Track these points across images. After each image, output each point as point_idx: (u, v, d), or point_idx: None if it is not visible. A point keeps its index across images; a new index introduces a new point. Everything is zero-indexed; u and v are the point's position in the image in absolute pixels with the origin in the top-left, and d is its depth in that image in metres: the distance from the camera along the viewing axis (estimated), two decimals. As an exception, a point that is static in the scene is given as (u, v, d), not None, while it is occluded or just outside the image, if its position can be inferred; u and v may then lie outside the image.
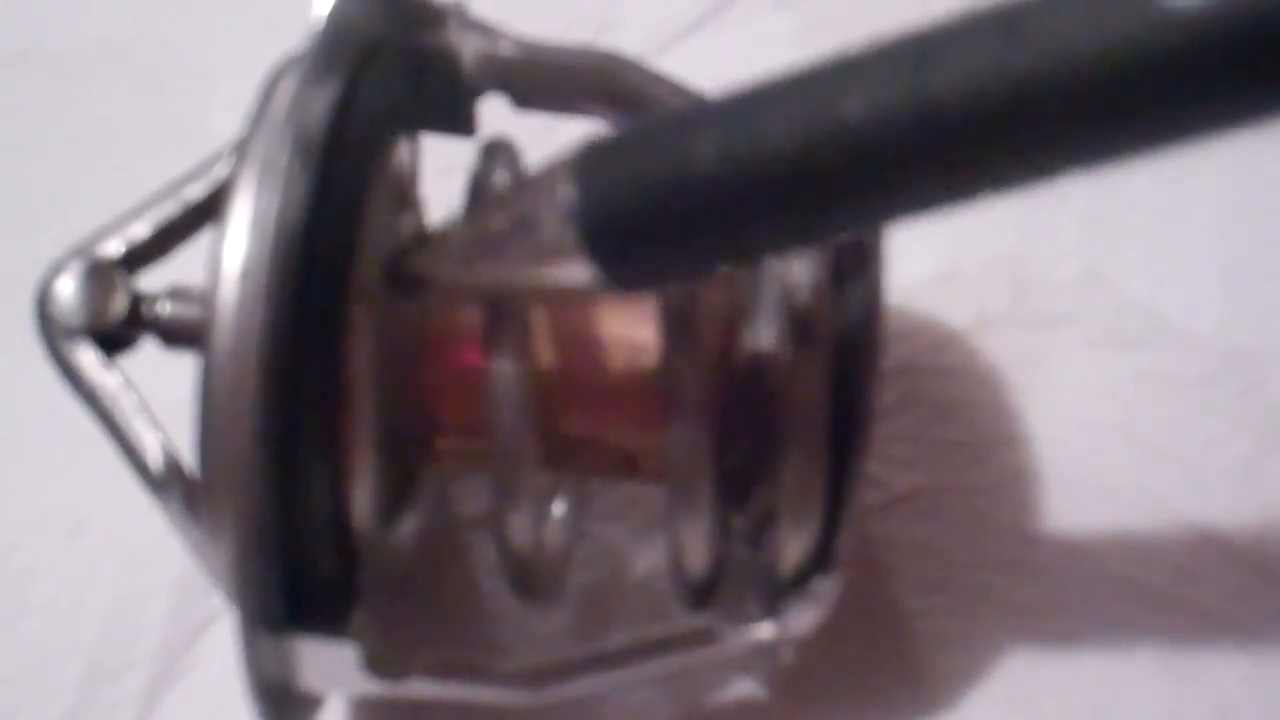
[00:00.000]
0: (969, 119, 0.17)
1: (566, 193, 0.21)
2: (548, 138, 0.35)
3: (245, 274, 0.22)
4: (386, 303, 0.25)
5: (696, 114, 0.21)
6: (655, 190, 0.20)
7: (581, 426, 0.27)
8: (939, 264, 0.34)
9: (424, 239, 0.28)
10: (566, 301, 0.27)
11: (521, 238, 0.22)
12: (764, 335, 0.26)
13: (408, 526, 0.29)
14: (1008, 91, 0.16)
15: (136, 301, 0.26)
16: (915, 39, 0.18)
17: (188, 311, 0.25)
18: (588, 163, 0.21)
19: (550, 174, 0.21)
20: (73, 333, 0.25)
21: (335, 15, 0.24)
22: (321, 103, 0.23)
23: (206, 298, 0.22)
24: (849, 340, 0.26)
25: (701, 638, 0.27)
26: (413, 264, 0.25)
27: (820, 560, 0.26)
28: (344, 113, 0.23)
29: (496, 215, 0.23)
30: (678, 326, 0.25)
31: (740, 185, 0.19)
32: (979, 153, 0.17)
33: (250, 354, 0.22)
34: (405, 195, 0.28)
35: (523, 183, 0.23)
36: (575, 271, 0.21)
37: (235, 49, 0.38)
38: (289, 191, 0.22)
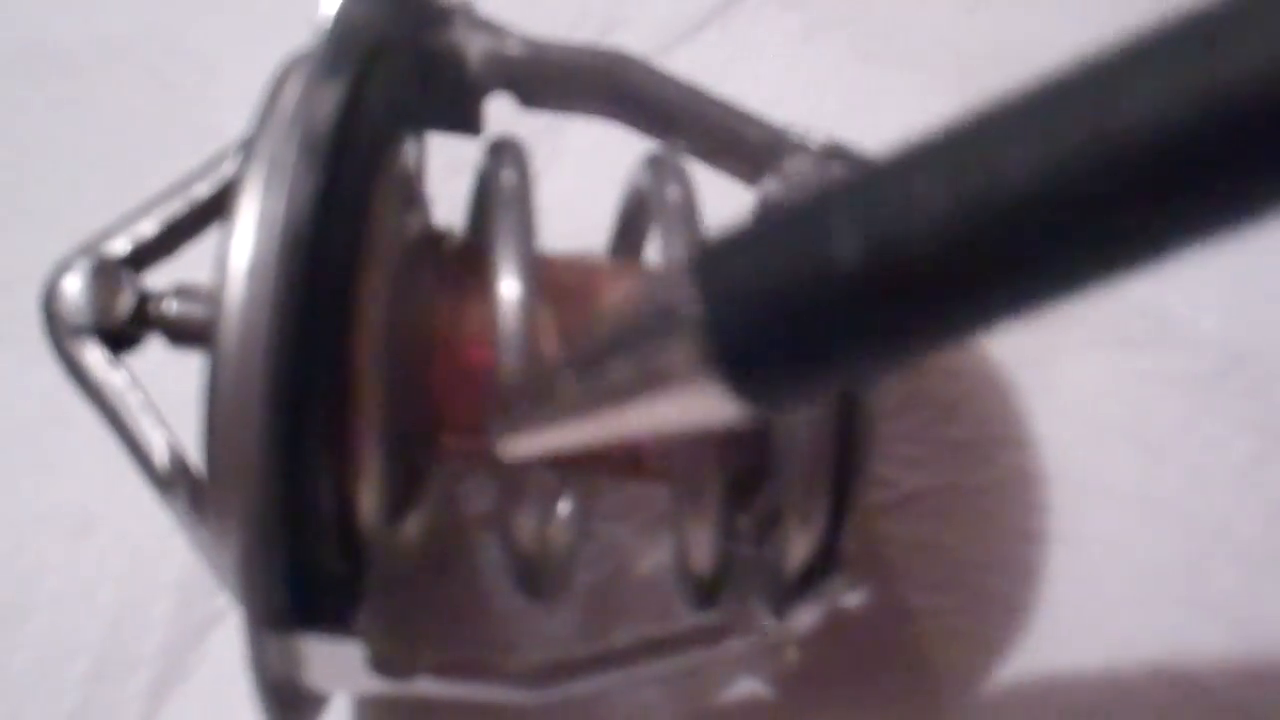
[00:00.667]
0: (1167, 154, 0.14)
1: (689, 302, 0.17)
2: (554, 137, 0.36)
3: (253, 272, 0.22)
4: (393, 301, 0.25)
5: (833, 196, 0.16)
6: (794, 293, 0.16)
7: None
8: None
9: (433, 238, 0.28)
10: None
11: (639, 368, 0.18)
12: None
13: (414, 525, 0.29)
14: (1217, 118, 0.13)
15: (143, 300, 0.26)
16: (1086, 70, 0.14)
17: (194, 310, 0.25)
18: (710, 263, 0.17)
19: (667, 281, 0.18)
20: (79, 331, 0.25)
21: (342, 14, 0.24)
22: (329, 102, 0.23)
23: (214, 296, 0.22)
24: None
25: (707, 637, 0.27)
26: (519, 410, 0.21)
27: (825, 559, 0.26)
28: (351, 112, 0.23)
29: (606, 347, 0.19)
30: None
31: (891, 276, 0.15)
32: (1184, 197, 0.14)
33: (257, 352, 0.22)
34: (412, 194, 0.28)
35: (633, 300, 0.19)
36: (710, 401, 0.17)
37: (240, 47, 0.38)
38: (296, 190, 0.22)
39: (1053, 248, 0.15)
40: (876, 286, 0.15)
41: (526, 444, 0.21)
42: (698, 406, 0.18)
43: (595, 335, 0.20)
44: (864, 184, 0.16)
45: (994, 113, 0.15)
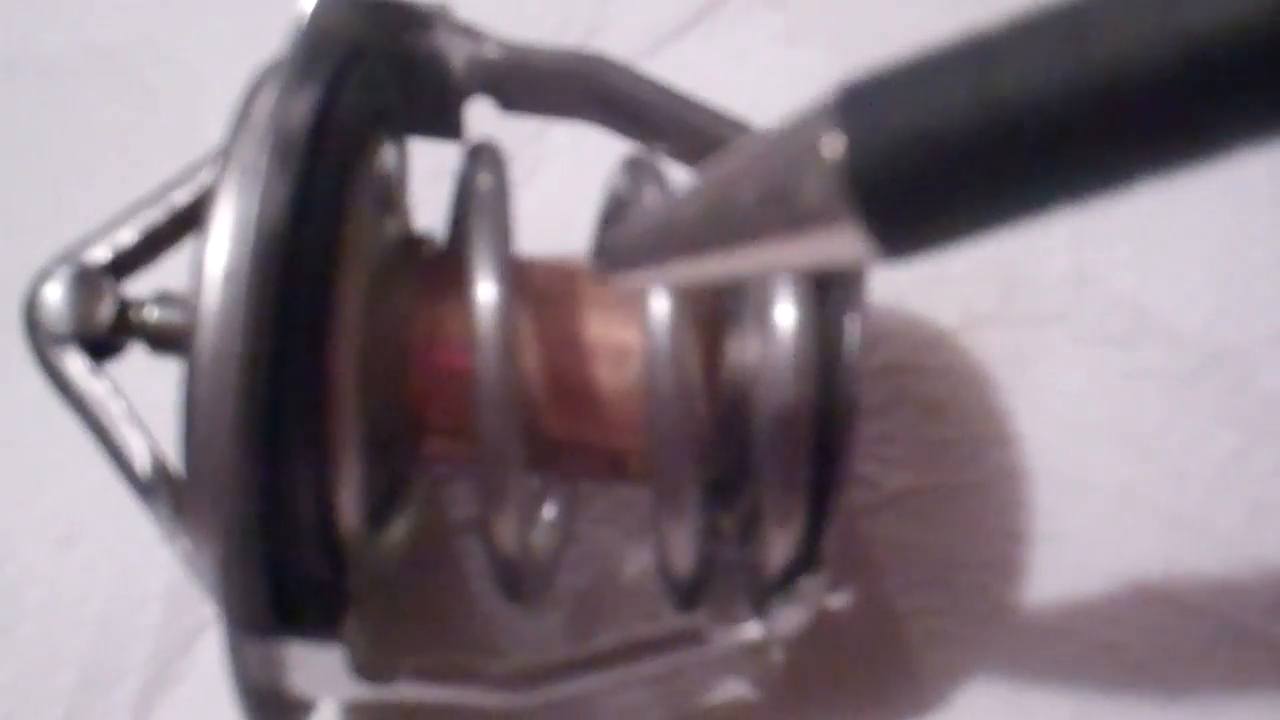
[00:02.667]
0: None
1: (831, 143, 0.17)
2: (537, 142, 0.36)
3: (227, 277, 0.22)
4: (370, 305, 0.25)
5: (1003, 34, 0.16)
6: (954, 133, 0.16)
7: (568, 429, 0.27)
8: (926, 263, 0.34)
9: (412, 243, 0.28)
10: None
11: (771, 206, 0.18)
12: (749, 338, 0.26)
13: (396, 530, 0.29)
14: None
15: (124, 308, 0.26)
16: None
17: (174, 317, 0.25)
18: (856, 104, 0.17)
19: (805, 122, 0.18)
20: (60, 339, 0.26)
21: (316, 18, 0.24)
22: (302, 106, 0.23)
23: (189, 302, 0.22)
24: (832, 342, 0.26)
25: (690, 638, 0.27)
26: (629, 243, 0.21)
27: (806, 560, 0.26)
28: (325, 116, 0.23)
29: (735, 182, 0.19)
30: (662, 330, 0.25)
31: (1064, 118, 0.15)
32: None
33: (232, 356, 0.22)
34: (390, 198, 0.28)
35: (766, 139, 0.18)
36: (843, 243, 0.17)
37: (226, 55, 0.38)
38: (269, 194, 0.22)
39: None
40: (1043, 131, 0.15)
41: (637, 276, 0.21)
42: (829, 247, 0.18)
43: (724, 167, 0.20)
44: (1036, 24, 0.16)
45: None
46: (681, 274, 0.21)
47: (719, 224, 0.19)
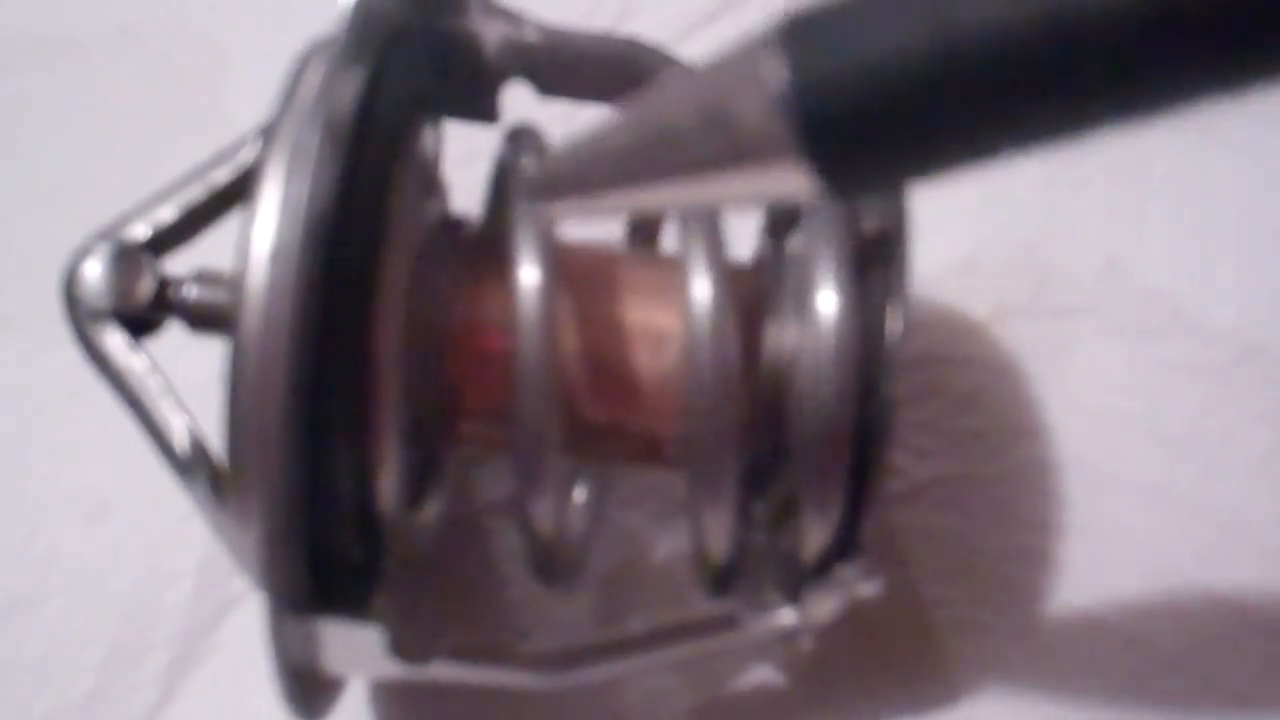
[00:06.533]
0: None
1: (774, 72, 0.16)
2: (568, 125, 0.36)
3: (275, 257, 0.22)
4: (412, 287, 0.25)
5: None
6: (903, 65, 0.15)
7: (605, 413, 0.27)
8: (959, 254, 0.34)
9: (451, 225, 0.28)
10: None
11: (708, 134, 0.17)
12: (788, 324, 0.26)
13: (431, 511, 0.29)
14: None
15: (163, 285, 0.26)
16: None
17: (214, 295, 0.25)
18: (800, 33, 0.16)
19: (746, 53, 0.17)
20: (100, 315, 0.25)
21: (363, 2, 0.24)
22: (351, 88, 0.23)
23: (236, 281, 0.22)
24: (872, 330, 0.26)
25: (722, 624, 0.27)
26: (562, 170, 0.20)
27: (843, 547, 0.26)
28: (372, 99, 0.23)
29: (671, 107, 0.18)
30: (702, 316, 0.25)
31: (1019, 53, 0.15)
32: None
33: (280, 337, 0.22)
34: (431, 181, 0.28)
35: (705, 66, 0.17)
36: (781, 177, 0.17)
37: (253, 34, 0.38)
38: (319, 176, 0.22)
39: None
40: (998, 69, 0.15)
41: (571, 205, 0.20)
42: (770, 181, 0.17)
43: (662, 91, 0.19)
44: None
45: None
46: (616, 203, 0.20)
47: (655, 151, 0.18)
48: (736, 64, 0.17)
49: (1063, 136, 0.16)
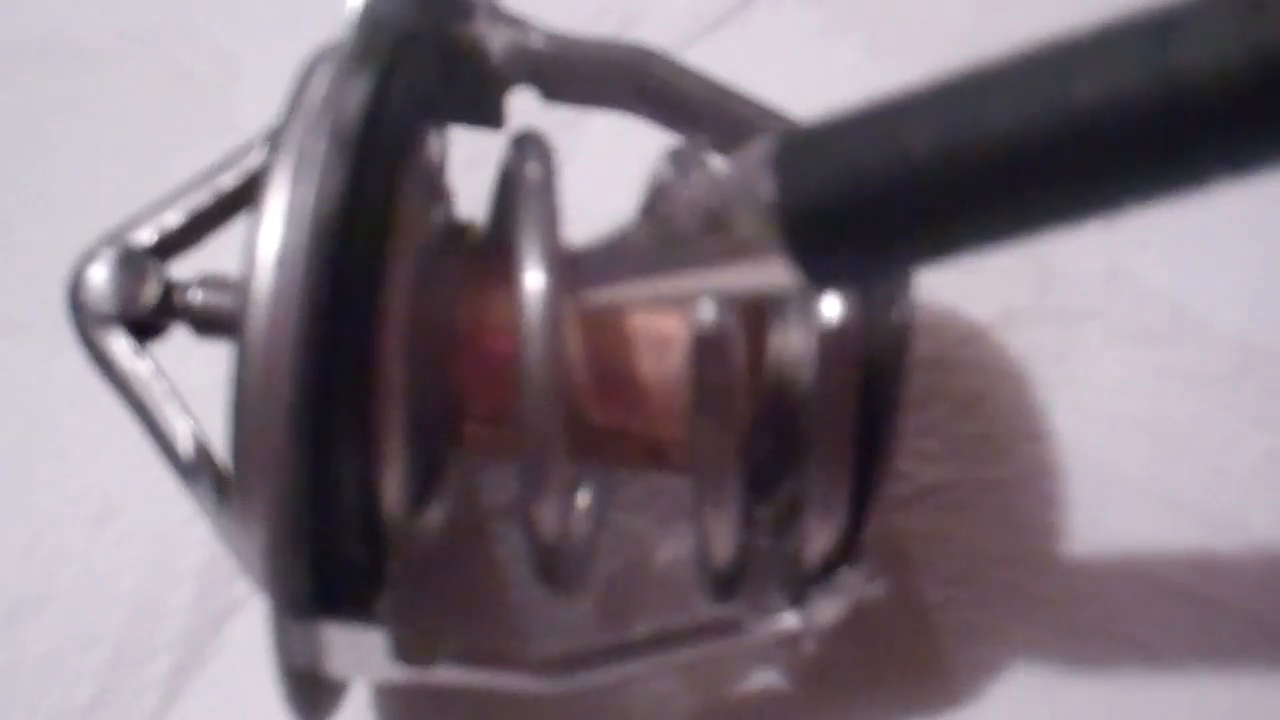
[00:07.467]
0: (1221, 97, 0.15)
1: (766, 187, 0.20)
2: (573, 131, 0.36)
3: (281, 262, 0.22)
4: (417, 292, 0.25)
5: (911, 100, 0.19)
6: (867, 183, 0.18)
7: (609, 418, 0.27)
8: (963, 259, 0.34)
9: (456, 230, 0.29)
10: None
11: (711, 237, 0.21)
12: (793, 328, 0.27)
13: (435, 514, 0.29)
14: (1260, 65, 0.15)
15: (168, 289, 0.26)
16: (1155, 14, 0.16)
17: (219, 300, 0.25)
18: (788, 155, 0.20)
19: (744, 168, 0.20)
20: (105, 320, 0.26)
21: (370, 7, 0.24)
22: (357, 94, 0.23)
23: (241, 285, 0.22)
24: (877, 334, 0.26)
25: (726, 628, 0.27)
26: (592, 264, 0.24)
27: (846, 552, 0.26)
28: (379, 105, 0.24)
29: (682, 214, 0.22)
30: (707, 320, 0.25)
31: (961, 175, 0.17)
32: (1228, 134, 0.16)
33: (285, 342, 0.22)
34: (436, 187, 0.28)
35: (710, 179, 0.22)
36: (772, 272, 0.20)
37: (260, 39, 0.38)
38: (325, 182, 0.22)
39: (1096, 155, 0.17)
40: (946, 179, 0.18)
41: (602, 293, 0.24)
42: (761, 274, 0.20)
43: (677, 203, 0.22)
44: (942, 93, 0.18)
45: (1054, 46, 0.17)
46: (637, 292, 0.24)
47: (668, 250, 0.22)
48: (737, 178, 0.21)
49: (1003, 238, 0.19)
